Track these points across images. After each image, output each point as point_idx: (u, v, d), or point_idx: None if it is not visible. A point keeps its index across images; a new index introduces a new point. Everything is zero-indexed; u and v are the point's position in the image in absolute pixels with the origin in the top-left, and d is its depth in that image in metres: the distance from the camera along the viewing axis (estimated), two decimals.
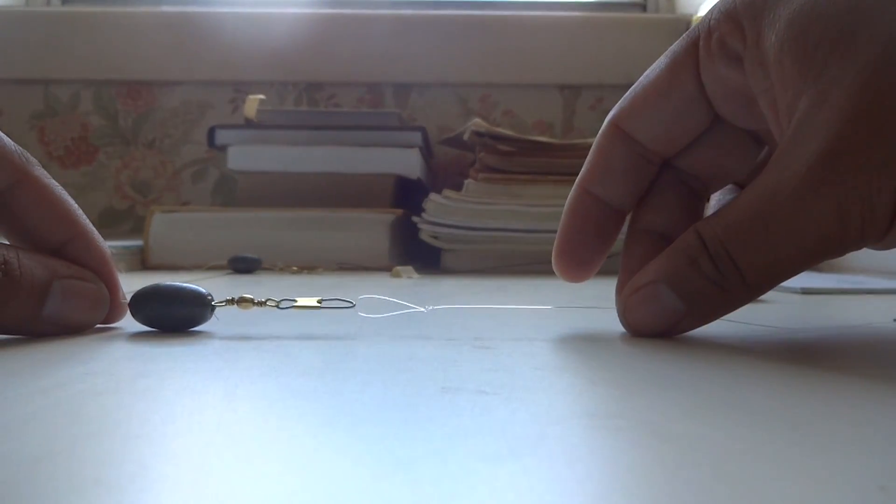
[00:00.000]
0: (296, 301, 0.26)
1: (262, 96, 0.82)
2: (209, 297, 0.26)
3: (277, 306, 0.26)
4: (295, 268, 0.64)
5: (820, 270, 0.65)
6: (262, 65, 1.00)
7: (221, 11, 1.00)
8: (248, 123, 0.80)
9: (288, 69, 1.01)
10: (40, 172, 0.25)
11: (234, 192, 0.88)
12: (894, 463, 0.12)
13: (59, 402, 0.15)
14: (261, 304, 0.26)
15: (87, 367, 0.19)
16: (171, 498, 0.10)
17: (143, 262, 0.68)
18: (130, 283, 0.27)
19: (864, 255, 0.61)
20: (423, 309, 0.28)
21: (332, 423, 0.14)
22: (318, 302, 0.26)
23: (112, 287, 0.26)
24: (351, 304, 0.26)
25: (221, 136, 0.78)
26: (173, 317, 0.26)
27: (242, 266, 0.61)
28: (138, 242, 0.68)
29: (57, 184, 0.26)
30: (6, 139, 0.24)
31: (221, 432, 0.13)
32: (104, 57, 1.00)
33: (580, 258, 0.27)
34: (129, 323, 0.27)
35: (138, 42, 1.00)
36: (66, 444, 0.12)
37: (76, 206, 0.26)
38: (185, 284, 0.26)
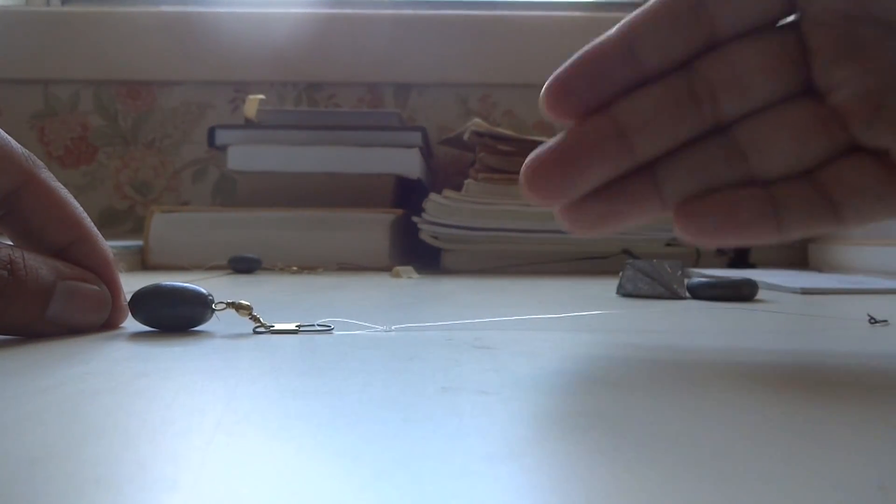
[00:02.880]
0: (273, 326, 0.26)
1: (262, 96, 0.82)
2: (209, 298, 0.26)
3: (254, 331, 0.26)
4: (295, 268, 0.64)
5: (820, 270, 0.65)
6: (262, 65, 1.00)
7: (221, 11, 1.00)
8: (248, 123, 0.80)
9: (288, 69, 1.01)
10: (47, 175, 0.25)
11: (234, 192, 0.88)
12: (894, 463, 0.12)
13: (59, 402, 0.15)
14: (254, 318, 0.26)
15: (87, 367, 0.19)
16: (170, 498, 0.10)
17: (143, 262, 0.68)
18: (130, 284, 0.27)
19: (865, 255, 0.61)
20: (383, 328, 0.27)
21: (332, 423, 0.14)
22: (297, 327, 0.26)
23: (114, 290, 0.26)
24: (330, 329, 0.26)
25: (221, 136, 0.78)
26: (173, 316, 0.26)
27: (242, 266, 0.61)
28: (138, 242, 0.68)
29: (62, 186, 0.26)
30: (13, 142, 0.25)
31: (221, 432, 0.13)
32: (104, 57, 1.00)
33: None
34: (129, 323, 0.27)
35: (138, 42, 1.00)
36: (66, 444, 0.12)
37: (80, 208, 0.26)
38: (184, 284, 0.26)
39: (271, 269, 0.63)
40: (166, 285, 0.26)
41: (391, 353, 0.22)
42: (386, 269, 0.65)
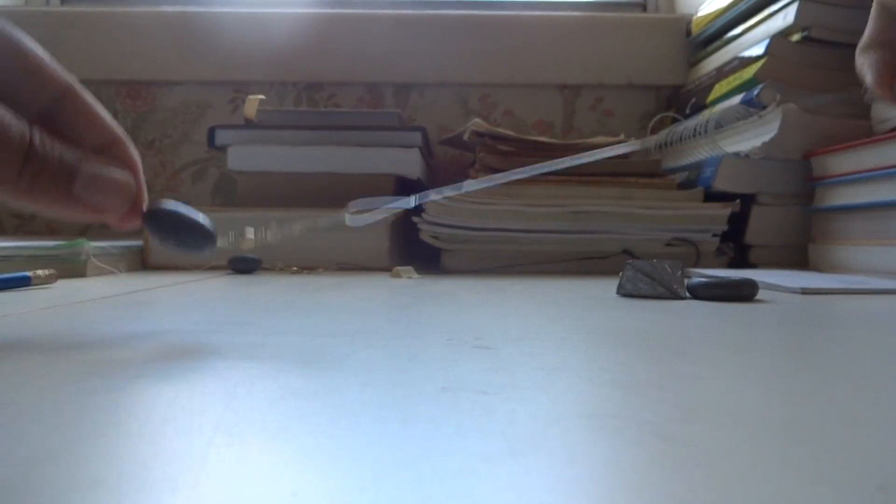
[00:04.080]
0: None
1: (262, 96, 0.82)
2: (213, 230, 0.27)
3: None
4: (295, 268, 0.64)
5: (820, 270, 0.65)
6: (262, 65, 1.00)
7: (221, 11, 1.00)
8: (248, 123, 0.80)
9: (288, 69, 1.01)
10: (80, 87, 0.27)
11: (234, 192, 0.88)
12: (894, 463, 0.12)
13: (59, 402, 0.15)
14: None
15: (87, 367, 0.19)
16: (171, 498, 0.10)
17: (143, 261, 0.68)
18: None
19: (865, 255, 0.61)
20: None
21: (331, 423, 0.14)
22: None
23: (139, 187, 0.27)
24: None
25: (221, 136, 0.78)
26: (183, 240, 0.26)
27: (242, 266, 0.61)
28: (138, 242, 0.68)
29: (93, 97, 0.28)
30: (48, 58, 0.26)
31: (221, 432, 0.13)
32: (104, 57, 1.00)
33: None
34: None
35: (138, 42, 1.00)
36: (66, 444, 0.12)
37: (111, 117, 0.28)
38: (197, 215, 0.27)
39: (271, 269, 0.63)
40: (183, 210, 0.27)
41: (391, 353, 0.22)
42: (386, 269, 0.65)
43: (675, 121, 0.92)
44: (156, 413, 0.15)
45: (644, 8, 1.10)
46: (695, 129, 0.79)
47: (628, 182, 0.70)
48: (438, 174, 0.99)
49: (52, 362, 0.20)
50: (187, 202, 0.27)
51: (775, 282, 0.47)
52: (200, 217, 0.27)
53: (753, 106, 0.72)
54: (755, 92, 0.72)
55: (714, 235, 0.68)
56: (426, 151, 0.83)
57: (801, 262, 0.70)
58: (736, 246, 0.72)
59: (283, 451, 0.12)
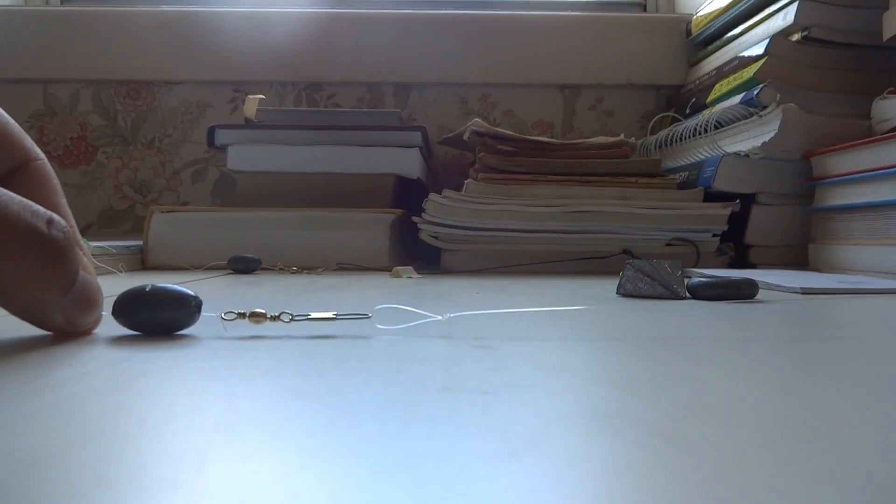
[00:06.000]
0: (309, 315, 0.26)
1: (262, 96, 0.82)
2: (196, 301, 0.25)
3: (293, 318, 0.26)
4: (295, 268, 0.64)
5: (819, 270, 0.65)
6: (262, 65, 1.00)
7: (221, 11, 1.00)
8: (248, 123, 0.80)
9: (288, 69, 1.01)
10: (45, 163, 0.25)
11: (234, 192, 0.88)
12: (894, 463, 0.12)
13: (59, 403, 0.15)
14: (274, 318, 0.26)
15: (86, 367, 0.19)
16: (170, 498, 0.10)
17: (142, 261, 0.68)
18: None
19: (865, 255, 0.61)
20: (440, 317, 0.27)
21: (332, 423, 0.14)
22: (334, 315, 0.26)
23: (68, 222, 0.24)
24: (367, 316, 0.26)
25: (221, 136, 0.78)
26: (157, 321, 0.25)
27: (242, 266, 0.61)
28: (138, 242, 0.68)
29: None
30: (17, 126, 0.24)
31: (221, 432, 0.13)
32: (103, 57, 1.00)
33: None
34: (113, 328, 0.27)
35: (138, 42, 1.00)
36: (66, 444, 0.12)
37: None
38: (168, 286, 0.25)
39: (271, 269, 0.63)
40: (151, 290, 0.25)
41: (391, 353, 0.22)
42: (386, 269, 0.65)
43: (675, 121, 0.92)
44: (156, 413, 0.15)
45: (644, 8, 1.10)
46: (695, 129, 0.79)
47: (628, 182, 0.70)
48: (438, 174, 0.99)
49: (52, 362, 0.20)
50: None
51: (775, 282, 0.47)
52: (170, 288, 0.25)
53: (753, 106, 0.72)
54: (755, 92, 0.72)
55: (714, 235, 0.69)
56: (426, 151, 0.83)
57: (801, 262, 0.70)
58: (736, 246, 0.72)
59: (283, 451, 0.12)
